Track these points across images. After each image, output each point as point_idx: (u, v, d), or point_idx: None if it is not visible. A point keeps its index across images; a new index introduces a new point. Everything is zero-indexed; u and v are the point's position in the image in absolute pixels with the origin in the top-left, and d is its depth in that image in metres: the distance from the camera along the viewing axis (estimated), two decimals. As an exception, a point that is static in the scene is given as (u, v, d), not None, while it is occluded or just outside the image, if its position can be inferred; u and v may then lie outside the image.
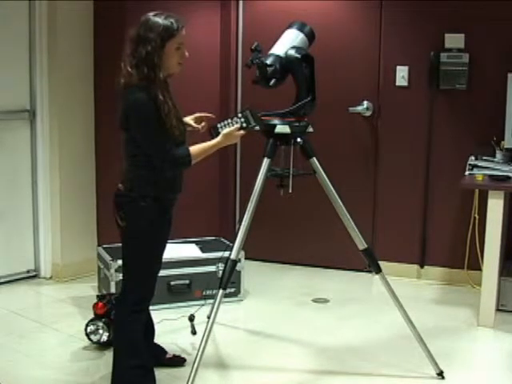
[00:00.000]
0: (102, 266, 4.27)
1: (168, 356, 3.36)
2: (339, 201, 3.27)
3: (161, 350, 3.36)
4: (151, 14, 2.80)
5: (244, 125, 2.90)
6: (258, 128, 2.96)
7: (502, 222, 3.83)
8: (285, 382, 3.26)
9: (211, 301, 3.67)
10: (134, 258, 2.93)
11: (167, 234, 3.01)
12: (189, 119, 3.15)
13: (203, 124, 3.18)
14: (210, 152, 2.88)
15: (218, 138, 2.89)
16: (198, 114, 3.20)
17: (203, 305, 3.87)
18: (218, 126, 2.94)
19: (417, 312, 3.70)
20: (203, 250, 4.33)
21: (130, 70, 2.77)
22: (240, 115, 2.91)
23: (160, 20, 2.77)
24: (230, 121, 2.92)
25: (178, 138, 2.82)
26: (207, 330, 2.94)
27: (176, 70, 2.86)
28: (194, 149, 2.82)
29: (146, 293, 2.97)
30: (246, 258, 4.36)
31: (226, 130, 2.90)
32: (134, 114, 2.76)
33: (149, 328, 3.21)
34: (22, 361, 3.42)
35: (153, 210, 2.85)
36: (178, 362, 3.36)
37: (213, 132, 2.94)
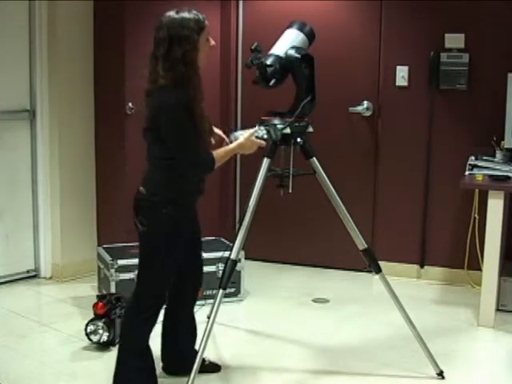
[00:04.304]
0: (102, 266, 4.27)
1: (205, 363, 3.21)
2: (339, 201, 3.26)
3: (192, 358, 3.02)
4: (171, 12, 2.74)
5: (265, 136, 2.95)
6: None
7: (501, 222, 3.82)
8: (285, 382, 3.26)
9: (211, 301, 3.66)
10: (148, 264, 2.90)
11: (186, 242, 2.97)
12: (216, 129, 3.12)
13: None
14: (230, 156, 2.91)
15: (240, 141, 2.91)
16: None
17: (203, 305, 3.87)
18: (237, 133, 2.98)
19: (417, 312, 3.70)
20: (203, 250, 4.31)
21: (162, 72, 2.70)
22: (262, 127, 2.97)
23: (187, 15, 2.72)
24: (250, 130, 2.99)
25: (206, 143, 2.81)
26: (207, 330, 2.94)
27: (204, 62, 2.82)
28: (217, 153, 2.81)
29: (157, 299, 2.94)
30: (245, 258, 4.35)
31: (246, 134, 2.92)
32: (166, 114, 2.70)
33: (189, 332, 3.22)
34: (22, 361, 3.42)
35: (172, 218, 2.81)
36: (212, 368, 3.31)
37: (232, 138, 2.97)
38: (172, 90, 2.69)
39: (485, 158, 4.26)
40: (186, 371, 2.99)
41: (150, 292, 2.92)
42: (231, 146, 2.93)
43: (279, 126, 3.04)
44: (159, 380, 3.04)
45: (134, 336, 2.94)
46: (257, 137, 2.95)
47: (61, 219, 4.63)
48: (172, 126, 2.71)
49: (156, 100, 2.73)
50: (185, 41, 2.69)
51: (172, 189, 2.82)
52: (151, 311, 2.92)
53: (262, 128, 2.97)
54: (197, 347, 3.05)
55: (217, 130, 3.11)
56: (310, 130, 3.23)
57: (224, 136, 3.12)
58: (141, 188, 2.85)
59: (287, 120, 3.11)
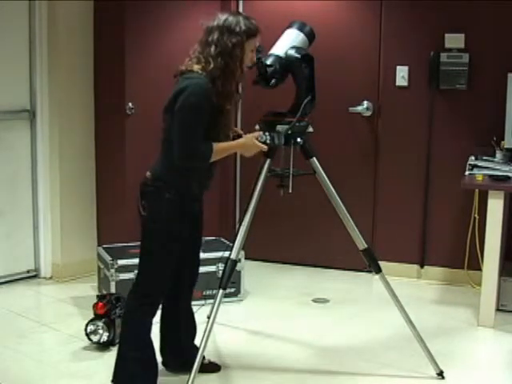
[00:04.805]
0: (102, 266, 4.27)
1: (205, 362, 3.21)
2: (339, 201, 3.26)
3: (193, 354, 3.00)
4: (225, 15, 2.83)
5: (268, 141, 2.98)
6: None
7: (501, 222, 3.83)
8: (285, 382, 3.26)
9: (211, 301, 3.66)
10: (148, 250, 2.92)
11: (188, 232, 2.98)
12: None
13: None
14: (230, 153, 2.95)
15: (242, 140, 2.97)
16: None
17: (203, 305, 3.87)
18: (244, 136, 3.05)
19: (417, 312, 3.70)
20: (203, 250, 4.30)
21: (210, 57, 2.75)
22: (267, 133, 3.00)
23: (242, 19, 2.82)
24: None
25: (217, 139, 2.82)
26: (207, 330, 2.94)
27: (243, 73, 2.89)
28: (219, 145, 2.82)
29: (156, 287, 2.94)
30: (245, 258, 4.36)
31: (250, 135, 2.97)
32: (184, 96, 2.71)
33: (189, 328, 3.23)
34: (22, 361, 3.42)
35: (175, 204, 2.83)
36: (212, 368, 3.32)
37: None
38: (203, 77, 2.74)
39: (485, 158, 4.26)
40: (185, 370, 3.00)
41: (147, 279, 2.93)
42: (234, 142, 2.96)
43: (283, 131, 3.05)
44: (159, 379, 3.04)
45: (132, 325, 2.95)
46: (260, 141, 2.97)
47: (61, 219, 4.63)
48: (185, 109, 2.72)
49: (183, 82, 2.76)
50: (234, 35, 2.77)
51: (175, 175, 2.83)
52: (149, 298, 2.93)
53: (267, 134, 3.00)
54: (196, 343, 3.05)
55: (234, 128, 3.15)
56: (310, 129, 3.23)
57: (241, 132, 3.15)
58: (147, 173, 2.88)
59: (288, 120, 3.11)
